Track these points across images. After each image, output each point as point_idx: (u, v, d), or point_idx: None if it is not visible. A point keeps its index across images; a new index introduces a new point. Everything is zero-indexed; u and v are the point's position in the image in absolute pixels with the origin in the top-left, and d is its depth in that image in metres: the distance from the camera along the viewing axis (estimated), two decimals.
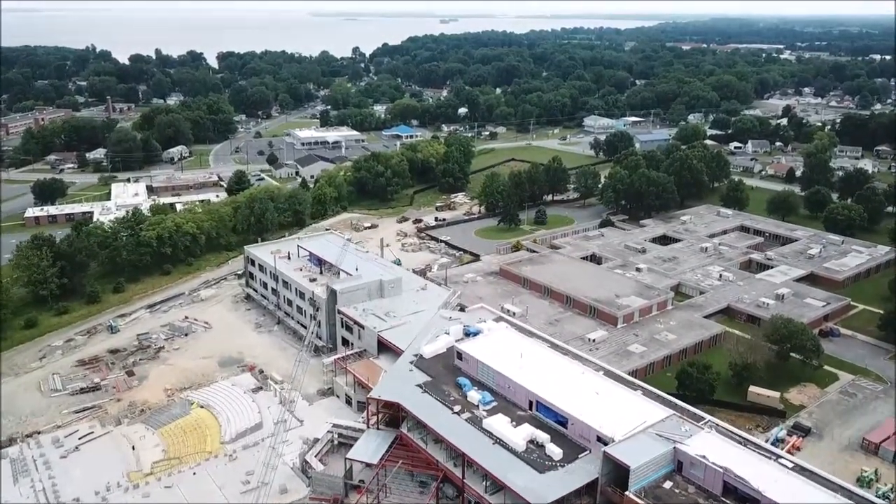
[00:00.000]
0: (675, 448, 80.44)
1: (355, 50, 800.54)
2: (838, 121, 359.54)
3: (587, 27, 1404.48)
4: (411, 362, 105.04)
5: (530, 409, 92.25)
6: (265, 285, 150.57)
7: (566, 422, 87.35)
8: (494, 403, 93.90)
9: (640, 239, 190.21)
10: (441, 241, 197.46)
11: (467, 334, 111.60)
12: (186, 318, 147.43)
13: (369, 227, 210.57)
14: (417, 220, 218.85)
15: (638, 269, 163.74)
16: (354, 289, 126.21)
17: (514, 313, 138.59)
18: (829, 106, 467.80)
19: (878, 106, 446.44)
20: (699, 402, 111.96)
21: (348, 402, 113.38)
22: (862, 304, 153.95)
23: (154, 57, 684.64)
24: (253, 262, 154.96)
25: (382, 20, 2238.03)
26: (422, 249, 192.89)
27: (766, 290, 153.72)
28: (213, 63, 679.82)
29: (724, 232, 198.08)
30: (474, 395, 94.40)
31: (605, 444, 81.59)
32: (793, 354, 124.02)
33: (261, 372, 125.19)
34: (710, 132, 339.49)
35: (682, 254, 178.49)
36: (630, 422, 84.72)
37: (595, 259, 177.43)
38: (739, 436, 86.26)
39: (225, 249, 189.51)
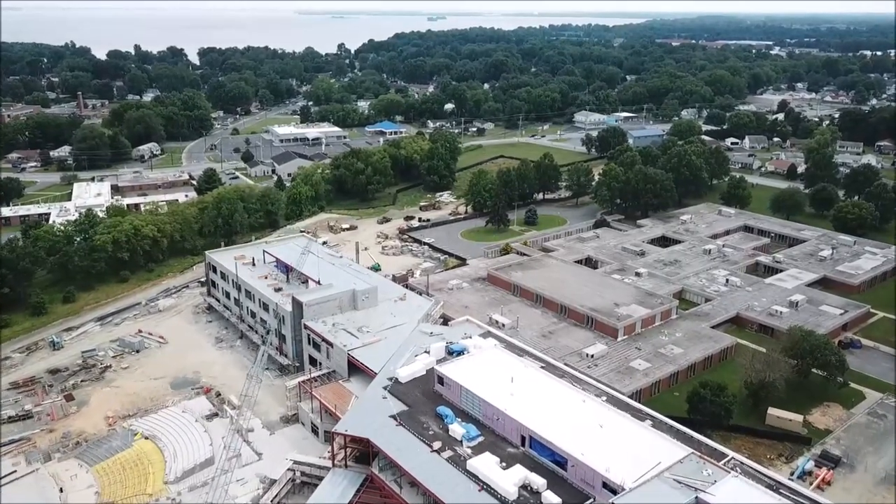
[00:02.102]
0: (696, 498, 67.06)
1: (340, 46, 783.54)
2: (836, 116, 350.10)
3: (575, 24, 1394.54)
4: (385, 387, 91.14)
5: (523, 445, 78.58)
6: (227, 295, 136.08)
7: (565, 462, 73.76)
8: (481, 439, 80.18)
9: (638, 240, 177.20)
10: (424, 243, 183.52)
11: (450, 353, 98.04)
12: (140, 331, 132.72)
13: (348, 229, 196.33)
14: (409, 218, 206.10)
15: (637, 274, 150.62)
16: (323, 300, 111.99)
17: (503, 325, 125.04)
18: (823, 101, 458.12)
19: (873, 101, 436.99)
20: (713, 427, 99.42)
21: (314, 431, 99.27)
22: (881, 311, 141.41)
23: (133, 53, 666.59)
24: (215, 269, 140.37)
25: (370, 18, 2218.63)
26: (403, 253, 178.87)
27: (778, 297, 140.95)
28: (195, 59, 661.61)
29: (727, 232, 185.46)
30: (457, 429, 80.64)
31: (614, 491, 68.14)
32: (814, 370, 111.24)
33: (217, 395, 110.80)
34: (704, 128, 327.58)
35: (684, 256, 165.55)
36: (642, 463, 71.32)
37: (590, 263, 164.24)
38: (770, 478, 73.09)
39: (190, 254, 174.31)
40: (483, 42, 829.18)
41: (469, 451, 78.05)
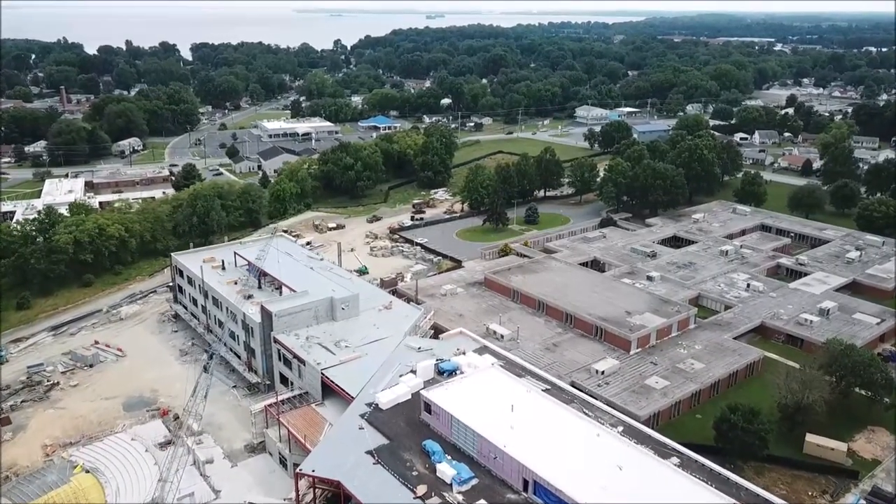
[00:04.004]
0: None
1: (336, 42, 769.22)
2: (846, 111, 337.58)
3: (574, 22, 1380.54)
4: (363, 415, 77.56)
5: (525, 490, 65.04)
6: (195, 302, 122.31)
7: None
8: (474, 482, 66.64)
9: (648, 241, 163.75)
10: (417, 243, 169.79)
11: (441, 373, 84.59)
12: (96, 343, 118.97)
13: (334, 228, 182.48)
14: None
15: (649, 278, 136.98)
16: (296, 310, 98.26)
17: (501, 336, 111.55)
18: (832, 96, 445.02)
19: (884, 96, 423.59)
20: (744, 456, 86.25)
21: (283, 463, 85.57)
22: None
23: (124, 48, 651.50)
24: (181, 273, 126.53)
25: (368, 17, 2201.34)
26: (394, 254, 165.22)
27: (806, 304, 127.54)
28: (188, 55, 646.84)
29: (744, 232, 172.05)
30: (446, 470, 67.09)
31: None
32: (856, 389, 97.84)
33: (175, 418, 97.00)
34: (711, 123, 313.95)
35: (699, 258, 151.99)
36: None
37: (597, 265, 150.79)
38: None
39: (162, 256, 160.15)
40: (481, 38, 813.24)
41: (460, 497, 64.59)
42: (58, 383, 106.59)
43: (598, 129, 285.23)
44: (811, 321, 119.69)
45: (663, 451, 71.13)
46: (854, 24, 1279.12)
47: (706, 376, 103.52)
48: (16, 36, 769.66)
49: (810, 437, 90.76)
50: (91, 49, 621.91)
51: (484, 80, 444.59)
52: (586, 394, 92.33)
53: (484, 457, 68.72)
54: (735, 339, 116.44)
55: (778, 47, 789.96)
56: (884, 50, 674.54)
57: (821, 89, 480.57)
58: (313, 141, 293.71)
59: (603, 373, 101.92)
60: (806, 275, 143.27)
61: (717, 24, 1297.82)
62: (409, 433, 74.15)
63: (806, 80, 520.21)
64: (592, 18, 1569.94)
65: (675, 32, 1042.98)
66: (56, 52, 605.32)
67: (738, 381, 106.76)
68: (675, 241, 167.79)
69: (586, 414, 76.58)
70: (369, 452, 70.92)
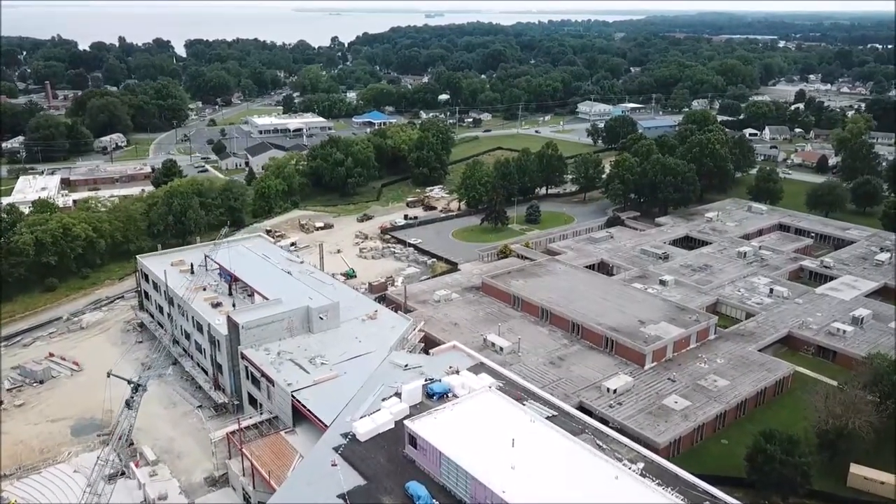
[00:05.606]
0: None
1: (334, 39, 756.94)
2: (860, 106, 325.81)
3: (574, 20, 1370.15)
4: (337, 448, 65.75)
5: None
6: (161, 309, 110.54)
7: None
8: None
9: (659, 241, 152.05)
10: (409, 244, 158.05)
11: (430, 395, 72.92)
12: (50, 356, 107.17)
13: (322, 228, 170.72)
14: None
15: (662, 282, 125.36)
16: (266, 321, 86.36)
17: (500, 348, 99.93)
18: (840, 92, 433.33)
19: (893, 91, 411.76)
20: (780, 490, 74.58)
21: (247, 500, 73.83)
22: None
23: (117, 45, 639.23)
24: (147, 278, 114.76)
25: (367, 16, 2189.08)
26: (385, 256, 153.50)
27: (837, 311, 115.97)
28: (182, 52, 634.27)
29: (761, 232, 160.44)
30: None
31: None
32: None
33: (130, 444, 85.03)
34: (718, 118, 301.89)
35: (716, 261, 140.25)
36: None
37: (604, 268, 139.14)
38: None
39: (135, 257, 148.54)
40: (480, 35, 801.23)
41: None
42: (0, 402, 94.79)
43: (601, 124, 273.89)
44: (844, 331, 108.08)
45: (693, 495, 59.42)
46: (856, 22, 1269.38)
47: (731, 395, 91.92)
48: (10, 33, 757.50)
49: (855, 469, 79.20)
50: (84, 46, 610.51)
51: (483, 76, 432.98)
52: (596, 417, 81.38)
53: (478, 502, 56.91)
54: (760, 351, 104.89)
55: (781, 44, 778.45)
56: (889, 47, 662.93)
57: (829, 85, 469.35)
58: (305, 137, 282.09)
59: (615, 391, 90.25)
60: (832, 278, 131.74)
61: (717, 22, 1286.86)
62: (391, 472, 62.38)
63: (812, 77, 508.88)
64: (592, 17, 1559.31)
65: (675, 30, 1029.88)
66: (47, 48, 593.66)
67: (766, 399, 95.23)
68: (688, 242, 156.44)
69: (600, 447, 64.87)
70: (342, 496, 59.20)
